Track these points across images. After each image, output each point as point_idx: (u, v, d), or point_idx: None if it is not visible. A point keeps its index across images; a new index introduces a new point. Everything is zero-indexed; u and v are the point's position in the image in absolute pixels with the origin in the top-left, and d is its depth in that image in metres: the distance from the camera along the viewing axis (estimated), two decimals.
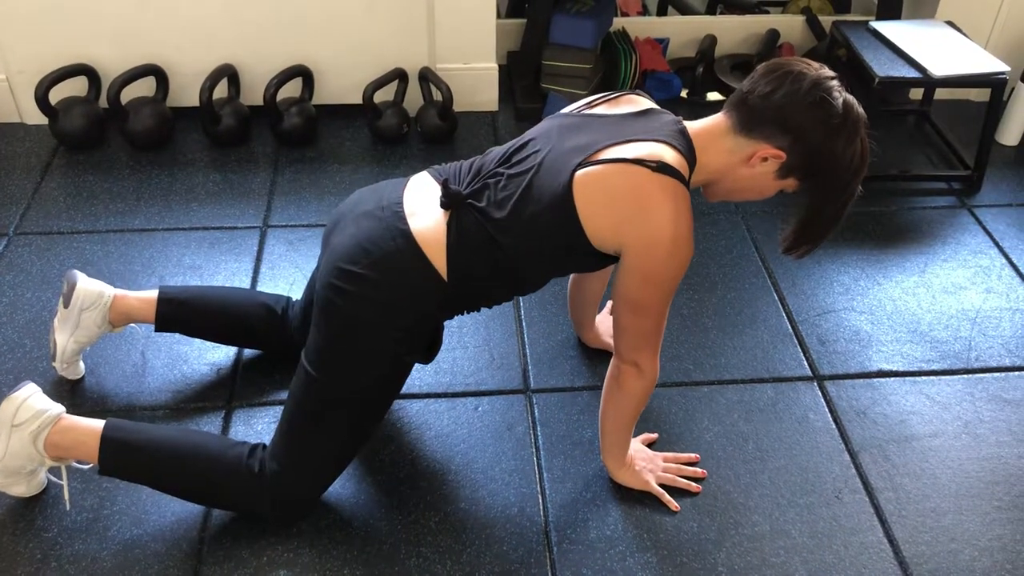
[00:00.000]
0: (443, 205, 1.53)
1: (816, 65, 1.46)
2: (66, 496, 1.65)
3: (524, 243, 1.50)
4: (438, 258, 1.50)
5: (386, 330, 1.52)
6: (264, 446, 1.63)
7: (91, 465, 1.62)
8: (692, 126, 1.55)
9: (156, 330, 1.88)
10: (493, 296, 1.61)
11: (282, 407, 1.86)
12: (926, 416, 1.95)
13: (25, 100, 2.70)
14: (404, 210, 1.54)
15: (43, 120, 2.66)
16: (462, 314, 1.61)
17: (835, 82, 1.45)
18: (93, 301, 1.82)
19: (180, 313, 1.87)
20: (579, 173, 1.46)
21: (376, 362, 1.55)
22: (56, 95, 2.59)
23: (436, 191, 1.57)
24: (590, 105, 1.62)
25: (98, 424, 1.60)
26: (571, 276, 1.95)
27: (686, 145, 1.51)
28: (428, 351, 1.63)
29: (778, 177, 1.51)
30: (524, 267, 1.54)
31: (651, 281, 1.49)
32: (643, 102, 1.60)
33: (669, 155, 1.46)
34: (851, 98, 1.46)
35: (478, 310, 1.62)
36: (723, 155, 1.51)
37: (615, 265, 1.54)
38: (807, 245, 1.57)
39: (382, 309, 1.51)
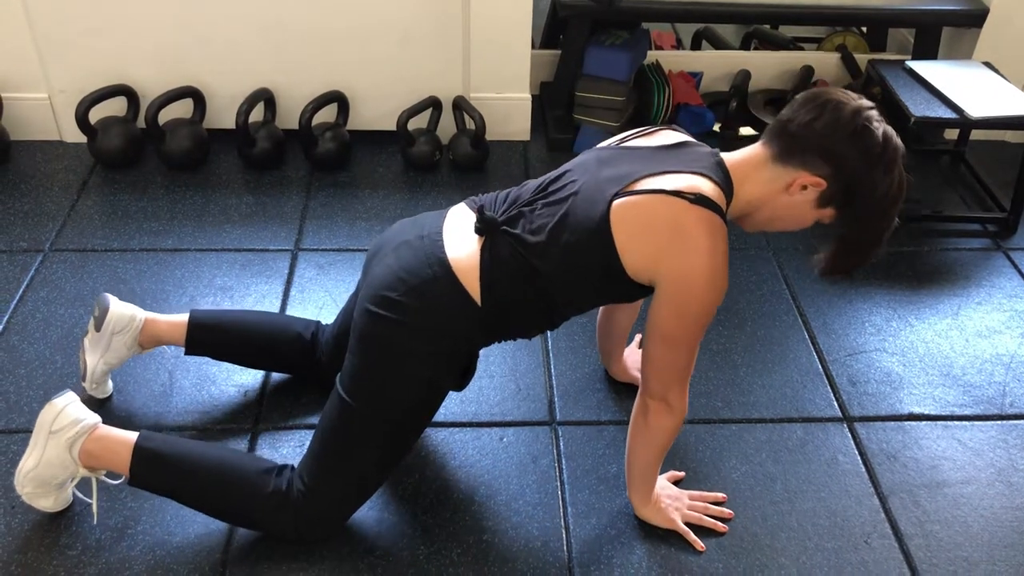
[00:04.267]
0: (478, 231, 1.54)
1: (854, 95, 1.48)
2: (95, 510, 1.66)
3: (560, 270, 1.50)
4: (472, 284, 1.51)
5: (422, 357, 1.53)
6: (293, 467, 1.63)
7: (120, 480, 1.63)
8: (729, 157, 1.56)
9: (186, 353, 1.89)
10: (528, 325, 1.61)
11: (309, 431, 1.87)
12: (958, 462, 1.92)
13: (65, 119, 2.75)
14: (442, 239, 1.56)
15: (82, 139, 2.70)
16: (498, 342, 1.62)
17: (874, 112, 1.46)
18: (125, 325, 1.84)
19: (209, 338, 1.89)
20: (617, 202, 1.47)
21: (411, 389, 1.55)
22: (95, 115, 2.64)
23: (473, 219, 1.58)
24: (626, 139, 1.63)
25: (132, 435, 1.62)
26: (601, 308, 1.94)
27: (723, 177, 1.52)
28: (462, 378, 1.63)
29: (816, 206, 1.52)
30: (559, 295, 1.54)
31: (685, 313, 1.48)
32: (678, 135, 1.62)
33: (707, 187, 1.47)
34: (890, 129, 1.47)
35: (514, 339, 1.63)
36: (762, 184, 1.52)
37: (647, 297, 1.54)
38: (842, 271, 1.59)
39: (418, 336, 1.52)
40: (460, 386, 1.64)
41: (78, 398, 1.65)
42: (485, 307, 1.51)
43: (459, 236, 1.56)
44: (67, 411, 1.60)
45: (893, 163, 1.46)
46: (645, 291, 1.54)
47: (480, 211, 1.56)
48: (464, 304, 1.51)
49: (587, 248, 1.48)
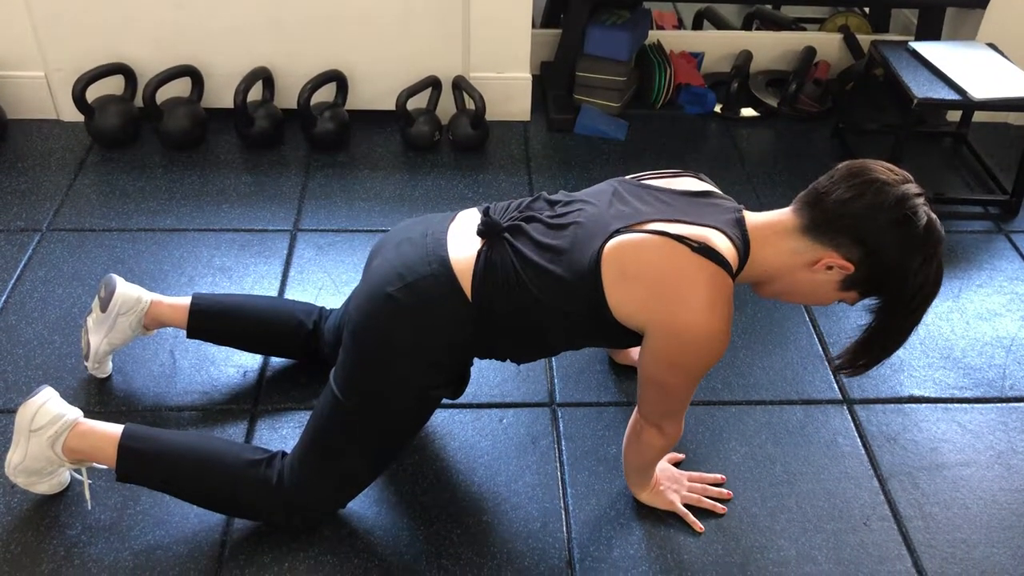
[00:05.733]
0: (479, 233, 1.51)
1: (900, 175, 1.38)
2: (87, 495, 1.66)
3: (547, 295, 1.45)
4: (468, 282, 1.47)
5: (414, 359, 1.50)
6: (283, 454, 1.62)
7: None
8: (753, 218, 1.47)
9: (187, 337, 1.88)
10: (517, 342, 1.56)
11: (308, 413, 1.86)
12: (958, 444, 1.92)
13: (62, 97, 2.73)
14: (446, 238, 1.52)
15: (79, 118, 2.68)
16: (491, 357, 1.59)
17: (920, 199, 1.35)
18: (131, 307, 1.83)
19: (211, 324, 1.88)
20: (615, 239, 1.40)
21: (403, 392, 1.52)
22: (92, 93, 2.62)
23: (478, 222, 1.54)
24: (649, 176, 1.57)
25: (116, 430, 1.59)
26: None
27: (741, 236, 1.43)
28: (457, 387, 1.61)
29: (840, 288, 1.43)
30: (544, 320, 1.48)
31: (678, 369, 1.43)
32: (703, 184, 1.54)
33: (718, 241, 1.38)
34: (934, 217, 1.36)
35: (505, 360, 1.60)
36: (784, 255, 1.43)
37: None
38: (863, 366, 1.49)
39: (412, 334, 1.48)
40: (455, 395, 1.61)
41: (56, 393, 1.62)
42: (475, 304, 1.46)
43: (463, 236, 1.52)
44: (45, 408, 1.58)
45: (932, 257, 1.36)
46: (635, 339, 1.47)
47: (486, 212, 1.52)
48: (458, 303, 1.47)
49: (574, 279, 1.42)
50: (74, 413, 1.60)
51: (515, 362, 1.62)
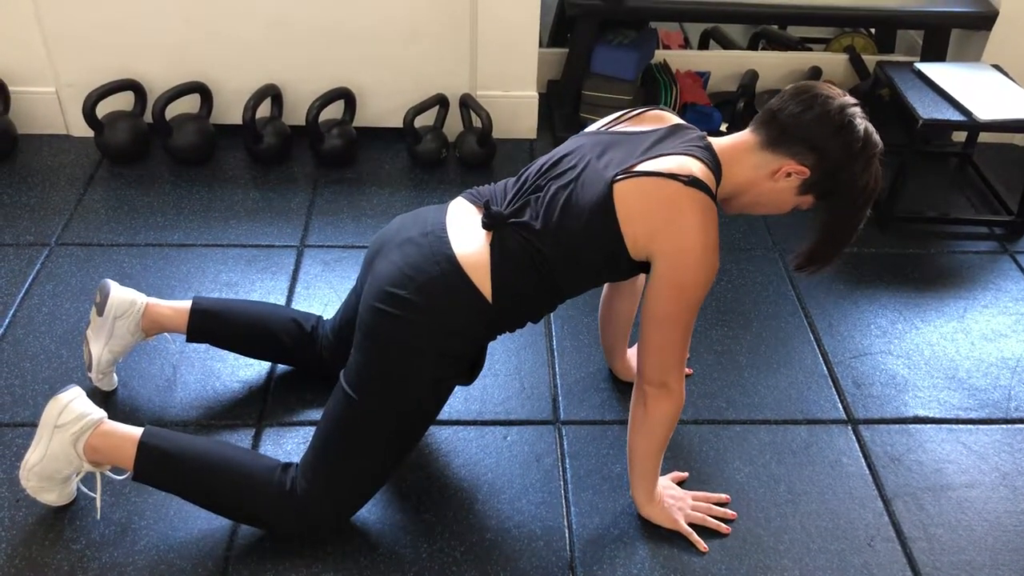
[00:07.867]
0: (485, 226, 1.56)
1: (840, 91, 1.55)
2: (98, 505, 1.66)
3: (567, 252, 1.54)
4: (482, 280, 1.52)
5: (431, 355, 1.54)
6: (297, 465, 1.63)
7: (125, 476, 1.64)
8: (718, 142, 1.61)
9: (187, 340, 1.90)
10: (536, 311, 1.62)
11: (313, 428, 1.87)
12: (962, 465, 1.92)
13: (72, 113, 2.75)
14: (448, 235, 1.56)
15: (89, 133, 2.70)
16: (505, 332, 1.63)
17: (858, 109, 1.54)
18: (126, 309, 1.84)
19: (211, 325, 1.89)
20: (618, 183, 1.51)
21: (418, 386, 1.56)
22: (102, 109, 2.64)
23: (476, 214, 1.60)
24: (617, 121, 1.67)
25: (137, 431, 1.62)
26: (601, 302, 1.96)
27: (712, 160, 1.57)
28: (470, 372, 1.64)
29: (798, 193, 1.58)
30: (566, 276, 1.57)
31: (680, 289, 1.52)
32: (670, 118, 1.66)
33: (698, 169, 1.52)
34: (871, 126, 1.54)
35: (523, 326, 1.64)
36: (749, 169, 1.58)
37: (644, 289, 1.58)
38: (816, 264, 1.64)
39: (428, 334, 1.52)
40: (468, 381, 1.65)
41: (84, 393, 1.65)
42: (496, 302, 1.52)
43: (464, 231, 1.57)
44: (72, 406, 1.60)
45: (872, 158, 1.54)
46: (643, 268, 1.58)
47: (487, 206, 1.56)
48: (474, 300, 1.52)
49: (592, 230, 1.52)
50: (99, 413, 1.63)
51: (534, 322, 1.67)
